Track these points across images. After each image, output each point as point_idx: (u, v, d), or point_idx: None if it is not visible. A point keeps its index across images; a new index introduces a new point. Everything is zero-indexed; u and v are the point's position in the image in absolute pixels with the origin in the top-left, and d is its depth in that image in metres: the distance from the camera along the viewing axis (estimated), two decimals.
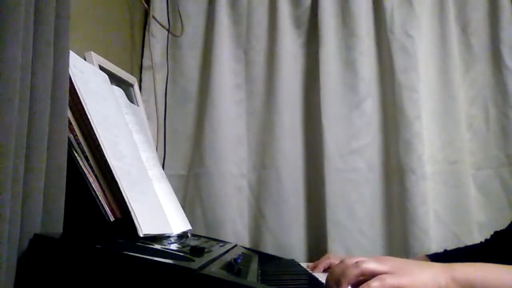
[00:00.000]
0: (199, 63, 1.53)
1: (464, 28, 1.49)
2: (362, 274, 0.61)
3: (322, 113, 1.43)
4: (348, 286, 0.61)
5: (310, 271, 1.08)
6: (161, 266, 0.50)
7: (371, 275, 0.60)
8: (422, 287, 0.60)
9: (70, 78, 0.68)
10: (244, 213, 1.45)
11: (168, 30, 1.50)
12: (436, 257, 1.15)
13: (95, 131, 0.71)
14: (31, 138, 0.55)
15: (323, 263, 1.13)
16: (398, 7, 1.47)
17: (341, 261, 0.65)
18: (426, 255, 1.19)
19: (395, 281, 0.59)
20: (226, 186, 1.43)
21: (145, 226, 0.70)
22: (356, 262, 0.62)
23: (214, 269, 0.57)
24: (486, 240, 1.13)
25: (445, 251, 1.19)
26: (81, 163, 0.69)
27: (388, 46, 1.46)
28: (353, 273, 0.61)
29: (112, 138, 0.76)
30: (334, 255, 1.19)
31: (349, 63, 1.47)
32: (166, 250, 0.59)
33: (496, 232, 1.11)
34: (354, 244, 1.38)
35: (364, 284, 0.59)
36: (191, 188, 1.45)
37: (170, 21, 1.51)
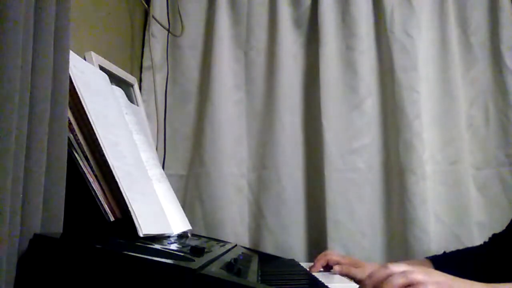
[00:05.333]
0: (199, 63, 1.53)
1: (464, 28, 1.49)
2: (409, 285, 0.58)
3: (322, 113, 1.43)
4: None
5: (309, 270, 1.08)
6: (161, 266, 0.50)
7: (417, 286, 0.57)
8: None
9: (70, 78, 0.68)
10: (244, 213, 1.45)
11: (168, 30, 1.50)
12: (436, 259, 1.15)
13: (95, 131, 0.71)
14: (31, 138, 0.55)
15: (321, 260, 1.13)
16: (398, 7, 1.46)
17: (385, 267, 0.62)
18: (427, 258, 1.18)
19: None
20: (226, 186, 1.43)
21: (145, 226, 0.70)
22: (403, 272, 0.59)
23: (214, 269, 0.57)
24: (485, 242, 1.13)
25: (444, 253, 1.19)
26: (81, 163, 0.69)
27: (388, 46, 1.46)
28: (399, 282, 0.58)
29: (112, 138, 0.76)
30: (332, 252, 1.19)
31: (349, 63, 1.47)
32: (166, 250, 0.59)
33: (494, 235, 1.11)
34: (354, 244, 1.38)
35: (420, 284, 0.58)
36: (191, 188, 1.45)
37: (170, 21, 1.51)
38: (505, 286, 0.65)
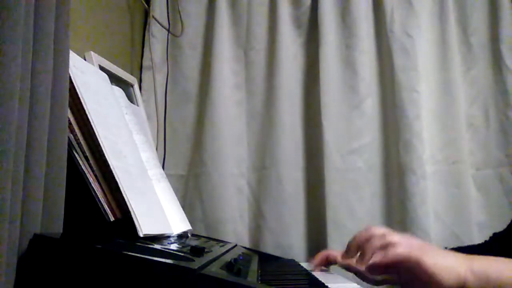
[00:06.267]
0: (199, 63, 1.53)
1: (464, 28, 1.49)
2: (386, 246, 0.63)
3: (322, 113, 1.43)
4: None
5: (310, 270, 1.08)
6: (161, 266, 0.50)
7: None
8: (443, 273, 0.61)
9: (70, 78, 0.69)
10: (244, 213, 1.45)
11: (168, 30, 1.50)
12: None
13: (95, 131, 0.71)
14: (31, 138, 0.55)
15: (321, 255, 1.13)
16: (398, 7, 1.47)
17: (368, 229, 0.68)
18: None
19: (423, 258, 0.61)
20: (226, 186, 1.43)
21: (145, 226, 0.70)
22: (383, 234, 0.65)
23: (214, 269, 0.57)
24: (485, 241, 1.13)
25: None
26: (81, 163, 0.69)
27: (388, 46, 1.46)
28: (378, 244, 0.64)
29: (112, 138, 0.76)
30: (332, 250, 1.19)
31: (349, 63, 1.47)
32: (166, 250, 0.59)
33: (494, 234, 1.11)
34: None
35: (394, 245, 0.63)
36: (191, 188, 1.45)
37: (170, 21, 1.51)
38: (483, 258, 0.66)
